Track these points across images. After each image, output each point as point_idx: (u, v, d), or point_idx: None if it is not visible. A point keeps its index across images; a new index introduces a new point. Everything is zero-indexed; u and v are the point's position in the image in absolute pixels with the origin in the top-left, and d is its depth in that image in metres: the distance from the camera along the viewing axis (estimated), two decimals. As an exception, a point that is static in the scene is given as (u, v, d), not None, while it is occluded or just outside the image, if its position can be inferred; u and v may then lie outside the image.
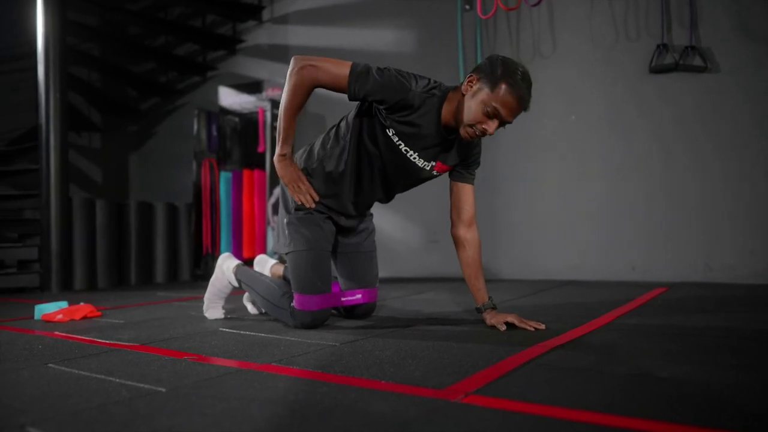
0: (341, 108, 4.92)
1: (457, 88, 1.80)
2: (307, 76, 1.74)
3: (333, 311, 2.28)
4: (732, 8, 3.32)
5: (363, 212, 2.11)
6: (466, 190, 1.96)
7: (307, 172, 2.00)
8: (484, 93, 1.68)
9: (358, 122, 1.89)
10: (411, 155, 1.86)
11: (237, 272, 2.23)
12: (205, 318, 2.30)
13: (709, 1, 3.38)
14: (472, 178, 1.98)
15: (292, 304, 1.99)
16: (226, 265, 2.27)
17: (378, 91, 1.73)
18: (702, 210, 3.40)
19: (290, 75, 1.76)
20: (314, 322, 1.97)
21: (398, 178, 1.94)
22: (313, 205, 1.93)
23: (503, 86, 1.66)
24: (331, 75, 1.73)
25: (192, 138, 4.74)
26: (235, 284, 2.24)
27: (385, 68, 1.77)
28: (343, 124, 1.96)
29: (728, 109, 3.33)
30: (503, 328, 1.83)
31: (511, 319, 1.85)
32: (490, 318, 1.90)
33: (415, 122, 1.80)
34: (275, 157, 1.90)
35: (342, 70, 1.73)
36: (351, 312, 2.17)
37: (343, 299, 2.08)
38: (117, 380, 1.31)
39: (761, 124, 3.25)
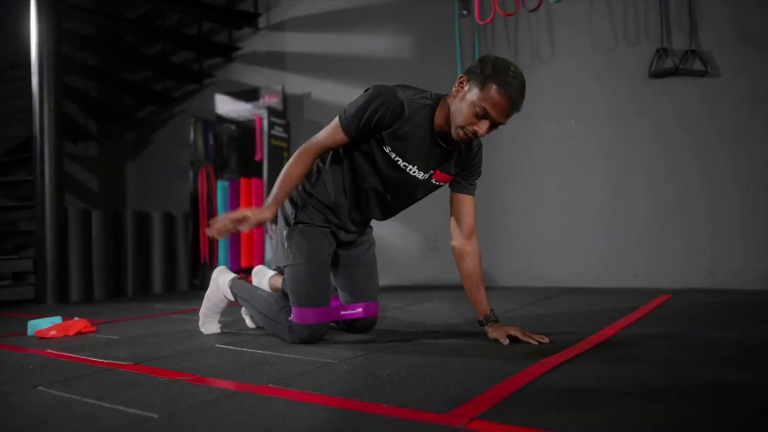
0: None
1: (448, 95, 1.77)
2: (306, 148, 1.84)
3: (333, 324, 2.24)
4: (732, 12, 3.29)
5: (362, 228, 2.07)
6: (466, 201, 1.92)
7: (310, 183, 1.96)
8: (474, 93, 1.65)
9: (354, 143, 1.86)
10: (410, 170, 1.82)
11: (233, 286, 2.18)
12: (201, 333, 2.25)
13: (709, 5, 3.35)
14: (472, 189, 1.94)
15: (289, 319, 1.94)
16: (221, 278, 2.23)
17: (367, 108, 1.74)
18: (705, 215, 3.36)
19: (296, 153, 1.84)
20: (312, 336, 1.93)
21: (397, 195, 1.91)
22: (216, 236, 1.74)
23: (492, 86, 1.62)
24: (326, 132, 1.83)
25: (189, 146, 4.70)
26: (231, 298, 2.20)
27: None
28: None
29: (729, 113, 3.30)
30: (506, 342, 1.79)
31: (514, 332, 1.81)
32: (492, 331, 1.85)
33: (409, 134, 1.77)
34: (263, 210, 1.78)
35: (333, 123, 1.82)
36: (351, 325, 2.12)
37: (342, 313, 2.03)
38: (108, 405, 1.27)
39: (763, 128, 3.22)
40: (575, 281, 3.67)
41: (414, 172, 1.83)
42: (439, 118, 1.77)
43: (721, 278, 3.28)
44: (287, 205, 2.01)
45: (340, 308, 2.03)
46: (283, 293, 2.17)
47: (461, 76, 1.71)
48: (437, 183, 1.90)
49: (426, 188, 1.90)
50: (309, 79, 4.78)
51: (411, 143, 1.78)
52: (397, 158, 1.80)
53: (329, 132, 1.82)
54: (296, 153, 1.84)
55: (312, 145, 1.84)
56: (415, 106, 1.76)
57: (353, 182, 1.90)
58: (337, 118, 1.81)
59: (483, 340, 1.86)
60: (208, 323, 2.26)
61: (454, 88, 1.73)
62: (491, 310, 1.90)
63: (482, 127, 1.68)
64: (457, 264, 1.94)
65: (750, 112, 3.25)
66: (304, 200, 1.97)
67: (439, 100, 1.78)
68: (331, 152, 1.94)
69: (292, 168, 1.82)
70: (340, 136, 1.81)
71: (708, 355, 1.57)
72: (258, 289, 2.16)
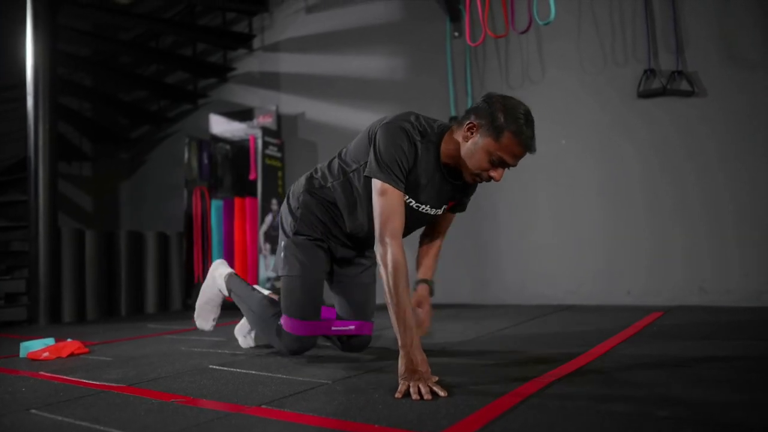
0: (334, 134, 4.88)
1: (451, 130, 1.75)
2: (395, 256, 1.59)
3: (328, 343, 2.25)
4: (716, 34, 3.36)
5: (360, 247, 2.07)
6: (449, 216, 1.98)
7: (310, 193, 1.98)
8: (488, 142, 1.62)
9: (357, 174, 1.85)
10: (423, 209, 1.82)
11: (228, 281, 2.19)
12: (194, 355, 2.25)
13: (694, 26, 3.42)
14: (464, 207, 1.99)
15: (279, 323, 1.98)
16: (218, 272, 2.25)
17: (401, 152, 1.68)
18: (697, 233, 3.39)
19: (382, 263, 1.60)
20: (301, 348, 1.98)
21: (406, 228, 1.81)
22: (429, 397, 1.40)
23: (508, 134, 1.59)
24: (388, 210, 1.64)
25: (183, 166, 4.72)
26: (225, 293, 2.22)
27: (387, 151, 1.68)
28: (345, 155, 1.92)
29: (715, 132, 3.35)
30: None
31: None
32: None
33: (420, 175, 1.75)
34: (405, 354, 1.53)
35: (381, 196, 1.65)
36: (346, 344, 2.13)
37: (333, 329, 2.04)
38: (101, 428, 1.27)
39: (748, 147, 3.27)
40: (568, 299, 3.68)
41: (426, 210, 1.83)
42: (444, 156, 1.74)
43: (713, 296, 3.31)
44: (286, 215, 2.05)
45: (333, 323, 2.05)
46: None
47: (470, 122, 1.65)
48: (445, 210, 1.93)
49: (435, 217, 1.92)
50: (303, 99, 4.83)
51: (423, 185, 1.76)
52: (410, 200, 1.77)
53: (389, 206, 1.63)
54: (390, 271, 1.57)
55: (393, 239, 1.61)
56: (423, 147, 1.72)
57: (356, 213, 1.91)
58: (378, 185, 1.65)
59: (475, 359, 1.88)
60: (202, 318, 2.28)
61: (462, 132, 1.68)
62: (432, 282, 1.96)
63: (499, 173, 1.68)
64: (418, 252, 2.01)
65: (736, 131, 3.30)
66: (304, 212, 1.99)
67: (443, 135, 1.75)
68: (336, 167, 1.92)
69: (399, 290, 1.56)
70: (399, 195, 1.66)
71: (698, 373, 1.59)
72: (254, 289, 2.18)
